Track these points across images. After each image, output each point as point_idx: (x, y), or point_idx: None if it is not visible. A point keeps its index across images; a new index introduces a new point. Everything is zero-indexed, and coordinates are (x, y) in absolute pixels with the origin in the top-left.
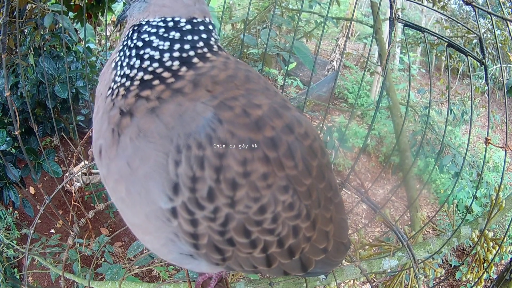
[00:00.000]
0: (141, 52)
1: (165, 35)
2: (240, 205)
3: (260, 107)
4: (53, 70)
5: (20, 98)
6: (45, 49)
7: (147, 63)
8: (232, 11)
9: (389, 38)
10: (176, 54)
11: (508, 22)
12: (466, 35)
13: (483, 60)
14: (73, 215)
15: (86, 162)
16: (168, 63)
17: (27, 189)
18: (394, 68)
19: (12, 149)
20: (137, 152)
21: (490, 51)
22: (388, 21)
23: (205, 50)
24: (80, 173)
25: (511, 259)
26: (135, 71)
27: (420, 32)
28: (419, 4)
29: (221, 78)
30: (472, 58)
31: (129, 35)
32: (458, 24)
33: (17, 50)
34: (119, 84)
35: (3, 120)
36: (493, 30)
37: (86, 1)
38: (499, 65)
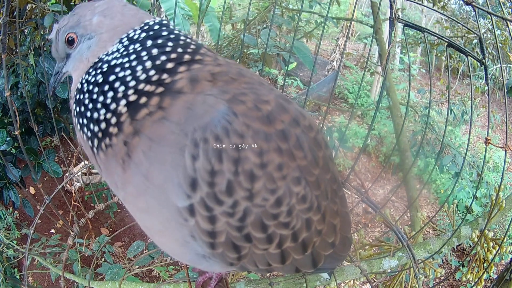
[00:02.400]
0: (106, 87)
1: (125, 52)
2: (258, 198)
3: (268, 102)
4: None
5: (20, 98)
6: (45, 49)
7: (122, 88)
8: (232, 11)
9: (389, 38)
10: (148, 64)
11: (508, 22)
12: (466, 35)
13: (483, 60)
14: (73, 215)
15: (86, 162)
16: (143, 76)
17: (27, 189)
18: (394, 68)
19: (12, 149)
20: (153, 162)
21: (490, 51)
22: (388, 21)
23: (179, 50)
24: (80, 173)
25: (511, 259)
26: (113, 105)
27: (420, 32)
28: (419, 4)
29: (216, 71)
30: (472, 58)
31: (87, 79)
32: (458, 24)
33: (17, 50)
34: (103, 127)
35: (3, 120)
36: (493, 30)
37: (86, 1)
38: (499, 65)
